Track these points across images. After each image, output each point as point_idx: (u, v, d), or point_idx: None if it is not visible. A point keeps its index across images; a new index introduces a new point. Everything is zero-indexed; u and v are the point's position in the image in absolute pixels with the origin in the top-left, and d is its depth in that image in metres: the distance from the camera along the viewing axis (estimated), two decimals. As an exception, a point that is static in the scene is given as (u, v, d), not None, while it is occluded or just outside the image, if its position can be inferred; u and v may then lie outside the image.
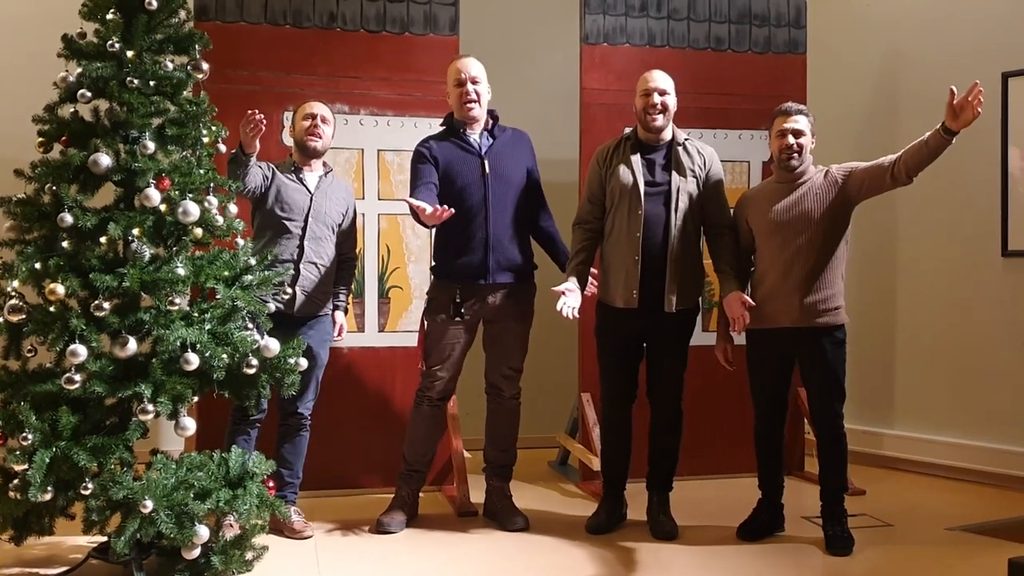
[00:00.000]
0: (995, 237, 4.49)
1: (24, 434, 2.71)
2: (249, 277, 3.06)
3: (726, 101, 4.58)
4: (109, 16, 2.95)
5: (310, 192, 3.64)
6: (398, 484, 3.78)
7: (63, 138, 2.95)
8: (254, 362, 2.93)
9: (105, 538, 2.94)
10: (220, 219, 3.02)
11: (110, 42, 2.91)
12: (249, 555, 2.98)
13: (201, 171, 3.00)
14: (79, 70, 2.94)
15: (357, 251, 3.96)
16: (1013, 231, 4.43)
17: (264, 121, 3.34)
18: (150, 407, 2.76)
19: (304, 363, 3.12)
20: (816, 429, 3.50)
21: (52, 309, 2.80)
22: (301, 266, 3.58)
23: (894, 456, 4.83)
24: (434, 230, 3.78)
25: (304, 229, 3.60)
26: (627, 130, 3.73)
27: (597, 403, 4.00)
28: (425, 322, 3.74)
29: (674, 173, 3.54)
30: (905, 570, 3.26)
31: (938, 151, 3.21)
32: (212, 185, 3.02)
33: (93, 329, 2.79)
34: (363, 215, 4.17)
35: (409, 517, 3.73)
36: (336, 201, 3.71)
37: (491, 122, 3.72)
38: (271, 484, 3.07)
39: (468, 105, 3.64)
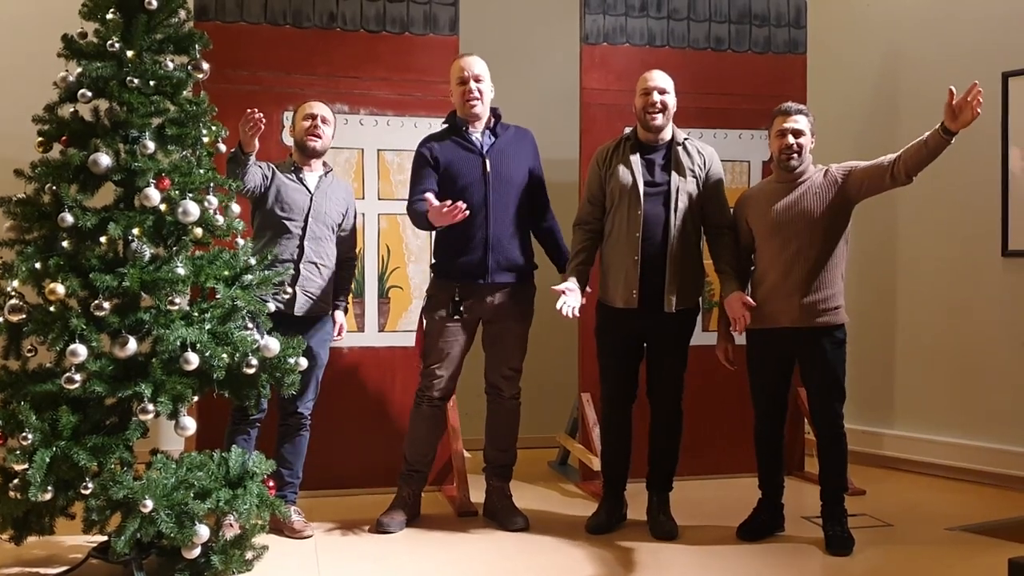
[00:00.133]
0: (995, 237, 4.49)
1: (24, 434, 2.71)
2: (249, 277, 3.06)
3: (726, 101, 4.58)
4: (109, 16, 2.95)
5: (310, 192, 3.64)
6: (399, 484, 3.79)
7: (63, 138, 2.95)
8: (254, 362, 2.93)
9: (105, 538, 2.94)
10: (220, 219, 3.02)
11: (110, 42, 2.91)
12: (249, 555, 2.98)
13: (201, 171, 3.00)
14: (79, 70, 2.94)
15: (357, 251, 3.97)
16: (1013, 231, 4.43)
17: (263, 120, 3.34)
18: (150, 407, 2.76)
19: (304, 363, 3.12)
20: (816, 429, 3.50)
21: (52, 309, 2.80)
22: (301, 266, 3.58)
23: (894, 456, 4.83)
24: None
25: (304, 229, 3.60)
26: (627, 130, 3.73)
27: (597, 403, 4.00)
28: (424, 320, 3.74)
29: (673, 173, 3.54)
30: (905, 570, 3.26)
31: (937, 151, 3.21)
32: (212, 185, 3.02)
33: (93, 329, 2.79)
34: (363, 215, 4.17)
35: (410, 517, 3.73)
36: (336, 201, 3.71)
37: (493, 120, 3.72)
38: (271, 484, 3.07)
39: (471, 103, 3.64)
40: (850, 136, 4.96)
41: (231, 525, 2.90)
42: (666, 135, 3.61)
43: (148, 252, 2.86)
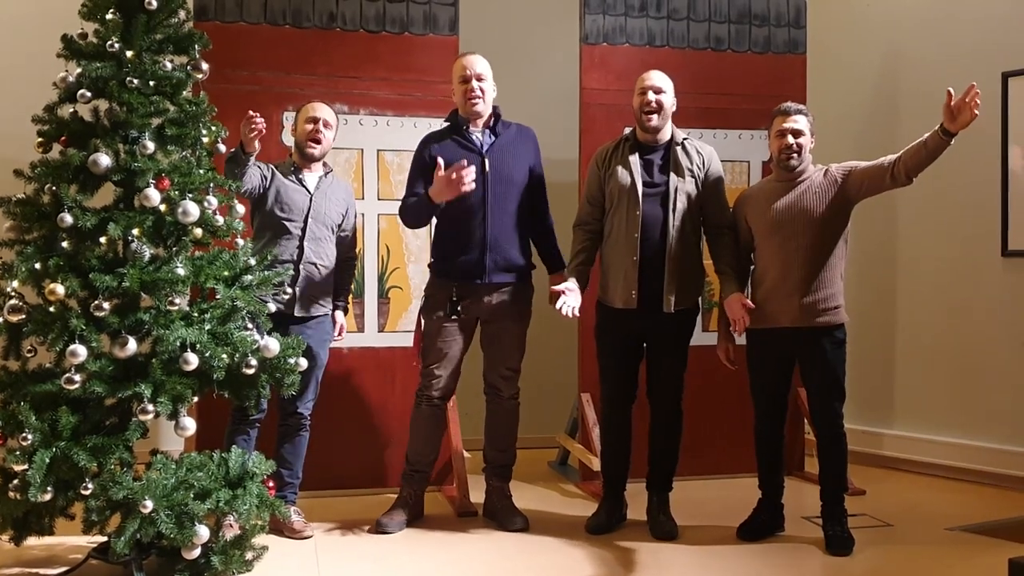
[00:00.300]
0: (995, 237, 4.49)
1: (24, 434, 2.71)
2: (249, 277, 3.06)
3: (726, 101, 4.58)
4: (109, 16, 2.95)
5: (310, 193, 3.64)
6: (401, 484, 3.79)
7: (63, 138, 2.95)
8: (254, 362, 2.93)
9: (105, 538, 2.94)
10: (220, 219, 3.02)
11: (110, 42, 2.91)
12: (249, 555, 2.98)
13: (201, 171, 3.00)
14: (79, 70, 2.94)
15: (357, 251, 3.96)
16: (1013, 231, 4.43)
17: (264, 125, 3.34)
18: (150, 407, 2.76)
19: (304, 363, 3.12)
20: (816, 429, 3.50)
21: (52, 309, 2.80)
22: (301, 267, 3.58)
23: (894, 456, 4.83)
24: (433, 227, 3.78)
25: (304, 230, 3.60)
26: (626, 131, 3.73)
27: (597, 403, 4.01)
28: (422, 320, 3.74)
29: (672, 173, 3.54)
30: (905, 570, 3.26)
31: (937, 152, 3.21)
32: (212, 185, 3.02)
33: (93, 329, 2.79)
34: (363, 215, 4.17)
35: (413, 517, 3.73)
36: (336, 202, 3.71)
37: (494, 119, 3.72)
38: (271, 484, 3.07)
39: (472, 101, 3.63)
40: (850, 136, 4.96)
41: (231, 525, 2.90)
42: (665, 135, 3.61)
43: (148, 252, 2.86)
